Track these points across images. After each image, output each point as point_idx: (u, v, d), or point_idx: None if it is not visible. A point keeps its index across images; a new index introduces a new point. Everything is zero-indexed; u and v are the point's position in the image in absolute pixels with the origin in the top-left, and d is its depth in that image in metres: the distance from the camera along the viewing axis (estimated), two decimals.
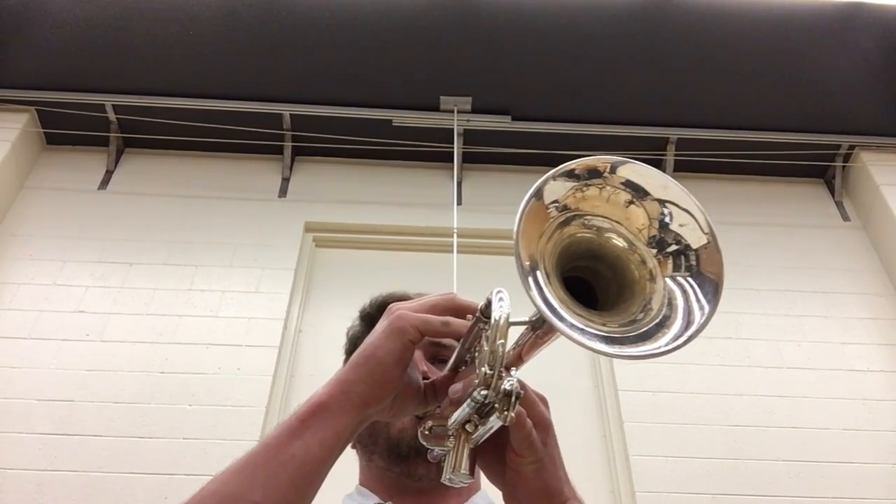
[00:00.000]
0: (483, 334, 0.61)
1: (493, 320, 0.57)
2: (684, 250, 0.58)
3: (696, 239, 0.58)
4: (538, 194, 0.57)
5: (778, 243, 3.31)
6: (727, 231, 3.58)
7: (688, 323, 0.55)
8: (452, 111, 3.37)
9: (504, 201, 3.38)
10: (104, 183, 3.34)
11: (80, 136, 3.38)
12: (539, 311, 0.53)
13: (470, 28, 3.18)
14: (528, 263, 0.55)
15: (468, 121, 3.38)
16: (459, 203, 3.31)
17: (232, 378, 2.72)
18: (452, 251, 2.95)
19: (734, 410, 2.75)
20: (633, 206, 0.60)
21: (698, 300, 0.56)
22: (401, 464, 0.87)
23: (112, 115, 3.35)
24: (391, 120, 3.37)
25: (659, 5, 3.12)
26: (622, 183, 0.59)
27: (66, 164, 3.40)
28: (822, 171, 3.60)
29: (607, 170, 0.59)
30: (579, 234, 0.60)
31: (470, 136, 3.42)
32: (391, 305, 0.66)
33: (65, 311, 2.85)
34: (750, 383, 2.83)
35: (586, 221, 0.60)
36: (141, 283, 2.98)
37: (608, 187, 0.59)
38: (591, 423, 2.80)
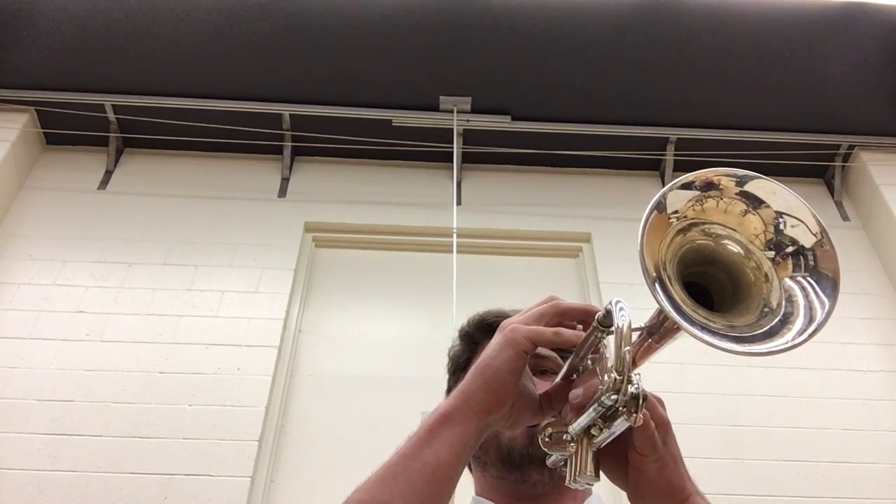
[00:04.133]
0: (601, 343, 0.65)
1: (616, 328, 0.61)
2: (801, 250, 0.61)
3: (808, 239, 0.61)
4: (660, 206, 0.61)
5: None
6: None
7: (810, 319, 0.58)
8: (452, 111, 3.37)
9: (504, 201, 3.38)
10: (104, 183, 3.34)
11: (80, 136, 3.38)
12: (670, 316, 0.56)
13: (470, 28, 3.18)
14: (653, 273, 0.58)
15: (468, 121, 3.38)
16: (459, 203, 3.31)
17: (232, 378, 2.72)
18: (452, 251, 2.95)
19: (734, 410, 2.75)
20: (749, 215, 0.63)
21: (818, 296, 0.59)
22: (514, 471, 0.89)
23: (112, 115, 3.35)
24: (391, 120, 3.37)
25: (659, 5, 3.12)
26: (737, 194, 0.63)
27: (65, 164, 3.40)
28: (822, 171, 3.60)
29: (721, 182, 0.63)
30: (698, 241, 0.63)
31: (470, 136, 3.42)
32: (503, 322, 0.71)
33: (65, 311, 2.85)
34: (750, 383, 2.83)
35: (705, 229, 0.63)
36: (141, 283, 2.98)
37: (725, 199, 0.63)
38: None
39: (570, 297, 0.72)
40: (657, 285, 0.57)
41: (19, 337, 2.76)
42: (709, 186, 0.62)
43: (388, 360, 2.91)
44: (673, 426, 0.71)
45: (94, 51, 3.23)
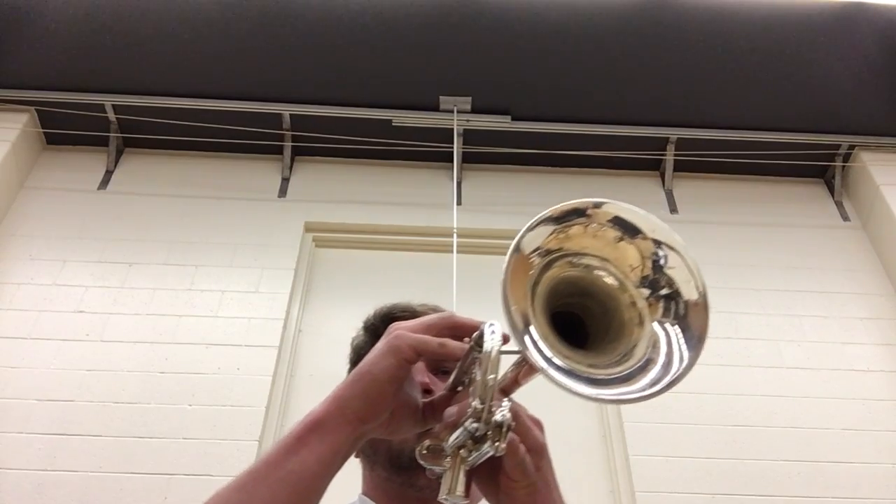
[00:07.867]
0: (476, 362, 0.62)
1: (483, 354, 0.58)
2: (675, 296, 0.58)
3: (688, 290, 0.58)
4: (517, 249, 0.59)
5: (778, 243, 3.31)
6: (727, 231, 3.59)
7: (666, 370, 0.56)
8: (452, 111, 3.37)
9: (504, 201, 3.38)
10: (104, 183, 3.34)
11: (80, 136, 3.38)
12: (529, 362, 0.54)
13: (470, 28, 3.18)
14: (521, 323, 0.55)
15: (468, 121, 3.38)
16: (459, 203, 3.31)
17: (232, 378, 2.72)
18: (452, 251, 2.95)
19: (734, 410, 2.75)
20: (623, 244, 0.59)
21: (680, 348, 0.57)
22: (402, 474, 0.87)
23: (112, 115, 3.35)
24: (391, 120, 3.37)
25: (659, 5, 3.12)
26: (609, 220, 0.59)
27: (66, 164, 3.40)
28: (822, 171, 3.60)
29: (590, 208, 0.59)
30: (567, 273, 0.60)
31: (470, 136, 3.41)
32: (391, 326, 0.68)
33: (65, 311, 2.85)
34: (750, 383, 2.83)
35: (573, 260, 0.60)
36: (141, 283, 2.98)
37: (594, 224, 0.59)
38: (592, 424, 2.80)
39: None
40: (527, 339, 0.55)
41: (19, 337, 2.76)
42: (571, 214, 0.59)
43: None
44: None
45: (94, 51, 3.23)
